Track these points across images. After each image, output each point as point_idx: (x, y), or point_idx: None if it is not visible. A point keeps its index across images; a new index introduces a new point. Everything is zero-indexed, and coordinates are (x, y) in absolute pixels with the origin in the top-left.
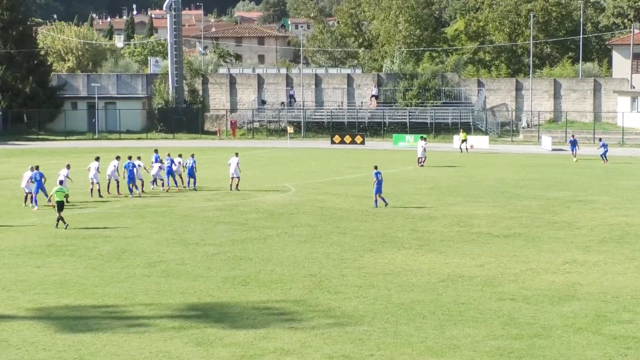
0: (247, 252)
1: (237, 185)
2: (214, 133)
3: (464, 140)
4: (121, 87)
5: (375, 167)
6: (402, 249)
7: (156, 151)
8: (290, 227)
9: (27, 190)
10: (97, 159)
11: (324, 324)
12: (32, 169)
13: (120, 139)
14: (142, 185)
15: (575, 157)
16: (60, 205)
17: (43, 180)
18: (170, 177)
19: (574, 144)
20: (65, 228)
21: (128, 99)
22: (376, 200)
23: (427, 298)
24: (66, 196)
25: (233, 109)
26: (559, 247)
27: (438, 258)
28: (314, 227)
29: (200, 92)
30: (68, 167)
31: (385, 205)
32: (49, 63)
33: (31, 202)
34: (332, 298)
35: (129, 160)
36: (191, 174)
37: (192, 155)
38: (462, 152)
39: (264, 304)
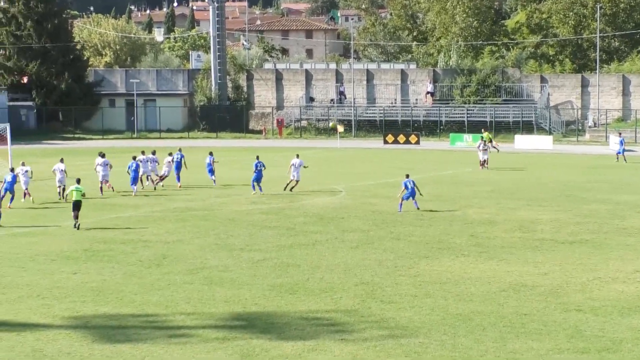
0: (295, 258)
1: (293, 187)
2: (259, 132)
3: (491, 140)
4: (161, 83)
5: (407, 176)
6: (460, 256)
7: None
8: (341, 232)
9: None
10: (102, 155)
11: (376, 335)
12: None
13: (160, 138)
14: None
15: (618, 158)
16: (76, 205)
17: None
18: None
19: (621, 143)
20: (76, 228)
21: (168, 95)
22: (401, 205)
23: (487, 309)
24: (83, 195)
25: (279, 106)
26: (629, 255)
27: (499, 266)
28: (366, 232)
29: (245, 89)
30: (62, 160)
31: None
32: (85, 58)
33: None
34: (386, 308)
35: (133, 161)
36: (178, 167)
37: (180, 150)
38: (498, 151)
39: (312, 314)
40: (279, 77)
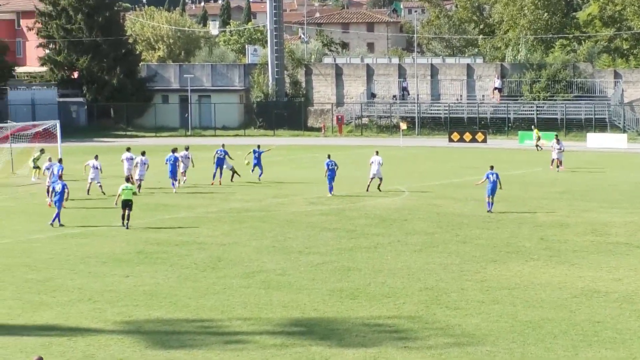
0: (356, 262)
1: (379, 185)
2: (318, 129)
3: (539, 138)
4: (216, 78)
5: (491, 167)
6: (529, 260)
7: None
8: (404, 235)
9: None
10: (128, 149)
11: (441, 343)
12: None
13: (215, 135)
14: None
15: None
16: (126, 204)
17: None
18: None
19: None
20: (126, 227)
21: (224, 91)
22: (489, 203)
23: (558, 316)
24: (134, 193)
25: (339, 102)
26: None
27: (570, 271)
28: (430, 235)
29: (303, 84)
30: (96, 157)
31: (487, 211)
32: (137, 52)
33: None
34: (451, 314)
35: (171, 154)
36: (219, 164)
37: (173, 151)
38: (539, 150)
39: (374, 320)
40: (338, 72)
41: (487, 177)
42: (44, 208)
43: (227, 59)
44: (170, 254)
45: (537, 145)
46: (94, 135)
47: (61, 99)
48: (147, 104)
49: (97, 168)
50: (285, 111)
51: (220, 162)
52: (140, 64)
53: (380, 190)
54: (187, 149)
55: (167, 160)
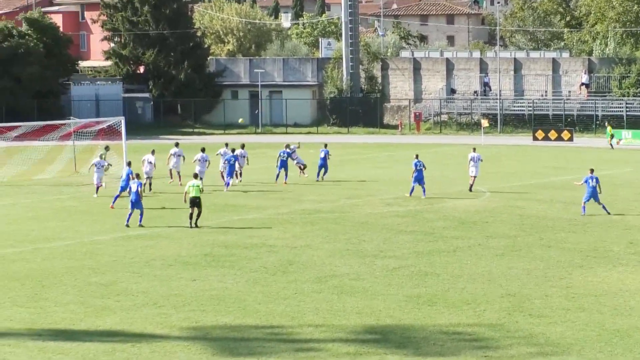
0: (434, 266)
1: (472, 186)
2: (395, 127)
3: (612, 136)
4: (288, 73)
5: (591, 171)
6: (618, 266)
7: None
8: (484, 238)
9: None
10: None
11: (524, 352)
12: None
13: (286, 133)
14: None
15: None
16: (194, 202)
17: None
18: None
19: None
20: (195, 226)
21: (296, 86)
22: (584, 207)
23: None
24: (201, 191)
25: (417, 98)
26: None
27: None
28: (513, 239)
29: (379, 79)
30: (152, 152)
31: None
32: (206, 46)
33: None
34: (534, 322)
35: (232, 153)
36: (283, 164)
37: (232, 150)
38: (612, 148)
39: (453, 328)
40: (416, 67)
41: (586, 182)
42: (108, 208)
43: (299, 53)
44: (238, 257)
45: (610, 144)
46: (160, 132)
47: (126, 95)
48: (215, 99)
49: (180, 155)
50: (360, 108)
51: (283, 164)
52: (208, 58)
53: (470, 191)
54: (242, 146)
55: (227, 160)
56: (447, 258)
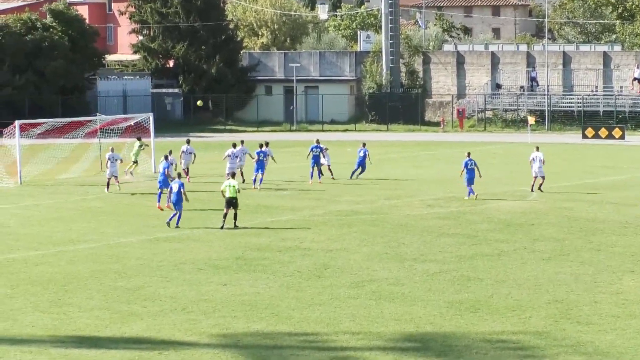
0: (477, 271)
1: (541, 185)
2: (437, 124)
3: None
4: (325, 67)
5: None
6: None
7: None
8: (530, 241)
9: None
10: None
11: None
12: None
13: (322, 130)
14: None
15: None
16: (230, 203)
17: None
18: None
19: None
20: (221, 228)
21: (333, 81)
22: None
23: None
24: (238, 191)
25: (460, 94)
26: None
27: None
28: (560, 242)
29: (421, 74)
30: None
31: None
32: (238, 39)
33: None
34: (583, 330)
35: (260, 148)
36: (316, 161)
37: (262, 145)
38: None
39: (497, 336)
40: (460, 61)
41: None
42: (135, 208)
43: (337, 46)
44: (271, 260)
45: None
46: (190, 129)
47: (155, 90)
48: (248, 95)
49: (191, 153)
50: (400, 104)
51: (316, 160)
52: (241, 52)
53: (541, 191)
54: (267, 144)
55: (257, 154)
56: (490, 262)
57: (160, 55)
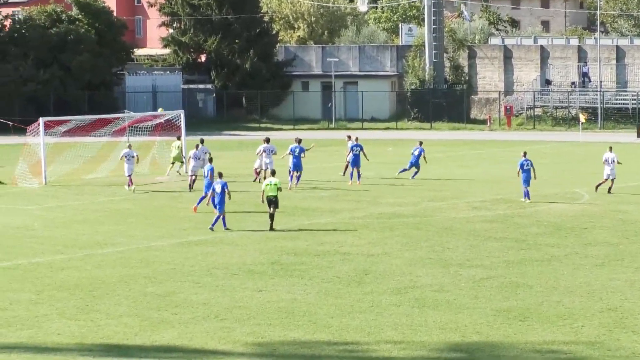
0: (526, 277)
1: (610, 188)
2: (483, 122)
3: None
4: (364, 62)
5: None
6: None
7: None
8: (582, 246)
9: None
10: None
11: None
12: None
13: (362, 128)
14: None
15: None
16: (270, 201)
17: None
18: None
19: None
20: (270, 229)
21: (373, 77)
22: None
23: None
24: (279, 189)
25: (508, 90)
26: None
27: None
28: (614, 247)
29: (466, 69)
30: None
31: None
32: (274, 32)
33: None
34: (638, 340)
35: (296, 144)
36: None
37: (299, 141)
38: None
39: (547, 346)
40: (507, 55)
41: None
42: (166, 210)
43: (377, 40)
44: (309, 265)
45: None
46: (223, 127)
47: (186, 86)
48: (284, 91)
49: (273, 152)
50: (444, 100)
51: (356, 160)
52: (277, 46)
53: (610, 193)
54: (299, 141)
55: (291, 150)
56: (540, 268)
57: (192, 49)
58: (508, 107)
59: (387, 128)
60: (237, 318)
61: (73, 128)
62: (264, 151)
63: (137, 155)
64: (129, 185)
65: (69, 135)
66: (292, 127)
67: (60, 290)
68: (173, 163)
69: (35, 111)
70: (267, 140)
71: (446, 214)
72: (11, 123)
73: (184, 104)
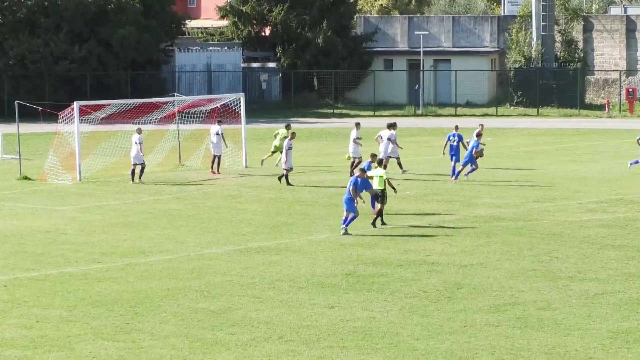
0: None
1: None
2: (600, 108)
3: None
4: (459, 36)
5: None
6: None
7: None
8: None
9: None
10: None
11: None
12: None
13: (455, 115)
14: None
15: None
16: (376, 196)
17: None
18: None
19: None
20: (382, 223)
21: (469, 54)
22: None
23: None
24: (387, 182)
25: (631, 70)
26: None
27: None
28: None
29: (580, 45)
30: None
31: None
32: (351, 0)
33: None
34: None
35: (390, 131)
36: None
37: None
38: None
39: None
40: (631, 28)
41: None
42: (222, 212)
43: (474, 10)
44: (390, 277)
45: None
46: (290, 113)
47: (247, 65)
48: (363, 71)
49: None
50: (554, 82)
51: (455, 152)
52: (355, 17)
53: None
54: (392, 126)
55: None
56: None
57: (254, 21)
58: (631, 90)
59: (486, 115)
60: (304, 339)
61: (113, 114)
62: (356, 137)
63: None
64: (133, 177)
65: (108, 123)
66: (372, 113)
67: (97, 305)
68: (274, 152)
69: (69, 94)
70: (358, 125)
71: (554, 218)
72: (40, 108)
73: (245, 85)
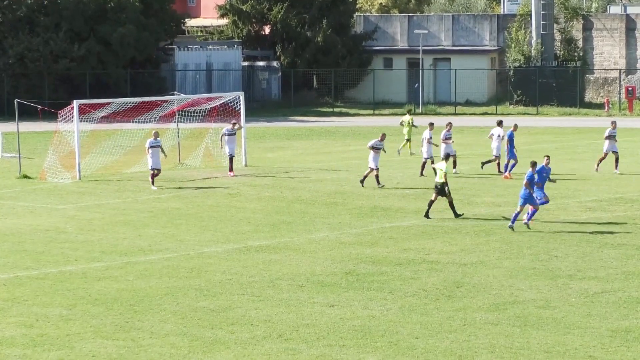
0: None
1: None
2: (600, 106)
3: None
4: (459, 35)
5: None
6: None
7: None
8: None
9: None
10: (500, 123)
11: None
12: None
13: (454, 114)
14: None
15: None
16: (436, 188)
17: None
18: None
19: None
20: (425, 216)
21: (469, 52)
22: None
23: None
24: (445, 174)
25: (630, 69)
26: None
27: None
28: None
29: (580, 43)
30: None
31: None
32: None
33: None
34: None
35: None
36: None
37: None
38: None
39: None
40: (630, 27)
41: None
42: (222, 210)
43: (474, 8)
44: (390, 276)
45: None
46: (290, 112)
47: (247, 63)
48: (363, 70)
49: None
50: (553, 81)
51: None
52: (355, 16)
53: None
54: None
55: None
56: None
57: (254, 20)
58: (630, 89)
59: (485, 113)
60: (303, 338)
61: (113, 113)
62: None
63: (161, 147)
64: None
65: (107, 122)
66: (371, 111)
67: (96, 304)
68: (408, 140)
69: (68, 93)
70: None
71: (554, 216)
72: (40, 107)
73: (244, 84)
